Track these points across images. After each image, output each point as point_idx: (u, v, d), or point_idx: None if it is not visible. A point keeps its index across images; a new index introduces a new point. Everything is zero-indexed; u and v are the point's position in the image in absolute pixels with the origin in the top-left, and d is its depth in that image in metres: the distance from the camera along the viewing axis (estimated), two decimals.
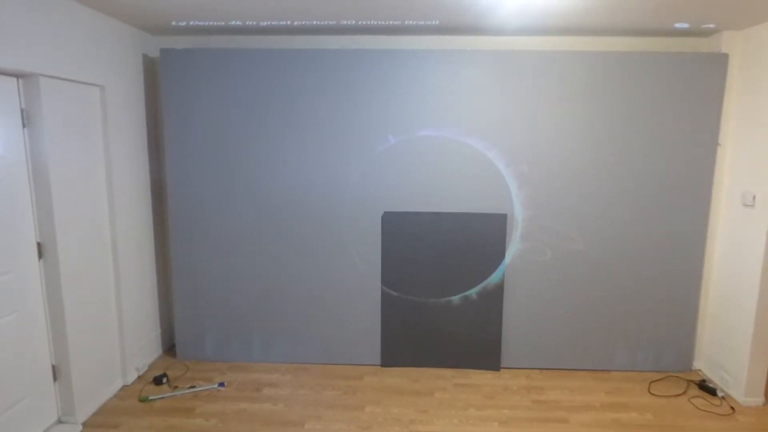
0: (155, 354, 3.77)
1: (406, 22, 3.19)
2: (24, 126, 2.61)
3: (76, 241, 2.88)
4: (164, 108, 3.45)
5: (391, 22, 3.20)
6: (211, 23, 3.26)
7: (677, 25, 3.16)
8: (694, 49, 3.51)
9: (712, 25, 3.15)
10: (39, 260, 2.73)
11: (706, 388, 3.33)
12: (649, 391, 3.34)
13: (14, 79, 2.55)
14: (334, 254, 3.58)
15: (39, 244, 2.72)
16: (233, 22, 3.24)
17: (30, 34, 2.47)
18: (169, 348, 3.91)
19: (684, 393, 3.32)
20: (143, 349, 3.58)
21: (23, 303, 2.62)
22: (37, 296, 2.71)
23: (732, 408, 3.15)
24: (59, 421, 2.89)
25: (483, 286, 3.55)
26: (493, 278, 3.54)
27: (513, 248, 3.53)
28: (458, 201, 3.49)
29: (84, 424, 2.92)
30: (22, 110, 2.60)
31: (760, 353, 3.14)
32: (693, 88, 3.31)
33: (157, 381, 3.38)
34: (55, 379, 2.85)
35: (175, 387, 3.34)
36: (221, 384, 3.38)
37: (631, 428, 2.94)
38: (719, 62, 3.27)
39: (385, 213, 3.52)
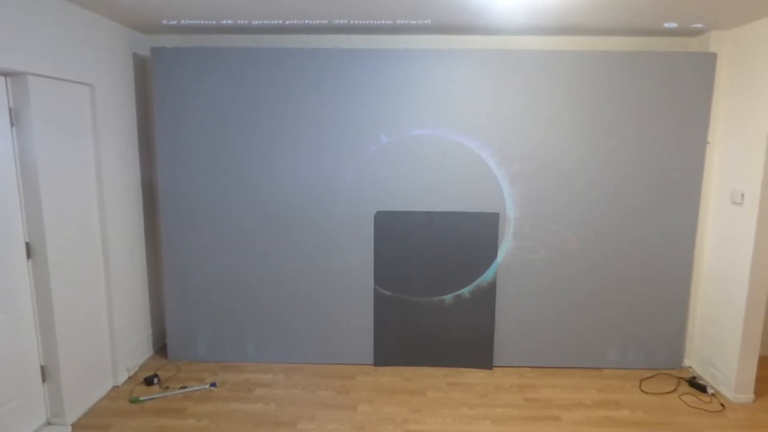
0: (146, 354, 3.74)
1: (398, 22, 3.20)
2: (12, 125, 2.59)
3: (65, 241, 2.86)
4: (155, 107, 3.43)
5: (383, 22, 3.20)
6: (202, 22, 3.24)
7: (666, 25, 3.19)
8: (682, 49, 3.54)
9: (700, 25, 3.18)
10: (28, 260, 2.70)
11: (696, 385, 3.35)
12: (640, 389, 3.36)
13: (2, 78, 2.53)
14: (327, 253, 3.57)
15: (27, 244, 2.69)
16: (225, 21, 3.23)
17: (18, 32, 2.44)
18: (161, 348, 3.88)
19: (674, 390, 3.35)
20: (134, 350, 3.55)
21: (11, 303, 2.59)
22: (25, 297, 2.69)
23: (722, 405, 3.17)
24: (48, 423, 2.86)
25: (475, 285, 3.56)
26: (486, 277, 3.55)
27: (505, 247, 3.54)
28: (451, 200, 3.50)
29: (73, 426, 2.89)
30: (10, 109, 2.58)
31: (750, 350, 3.17)
32: (682, 87, 3.34)
33: (148, 382, 3.35)
34: (43, 380, 2.82)
35: (166, 387, 3.32)
36: (213, 384, 3.36)
37: (623, 425, 2.95)
38: (708, 61, 3.31)
39: (378, 212, 3.52)
